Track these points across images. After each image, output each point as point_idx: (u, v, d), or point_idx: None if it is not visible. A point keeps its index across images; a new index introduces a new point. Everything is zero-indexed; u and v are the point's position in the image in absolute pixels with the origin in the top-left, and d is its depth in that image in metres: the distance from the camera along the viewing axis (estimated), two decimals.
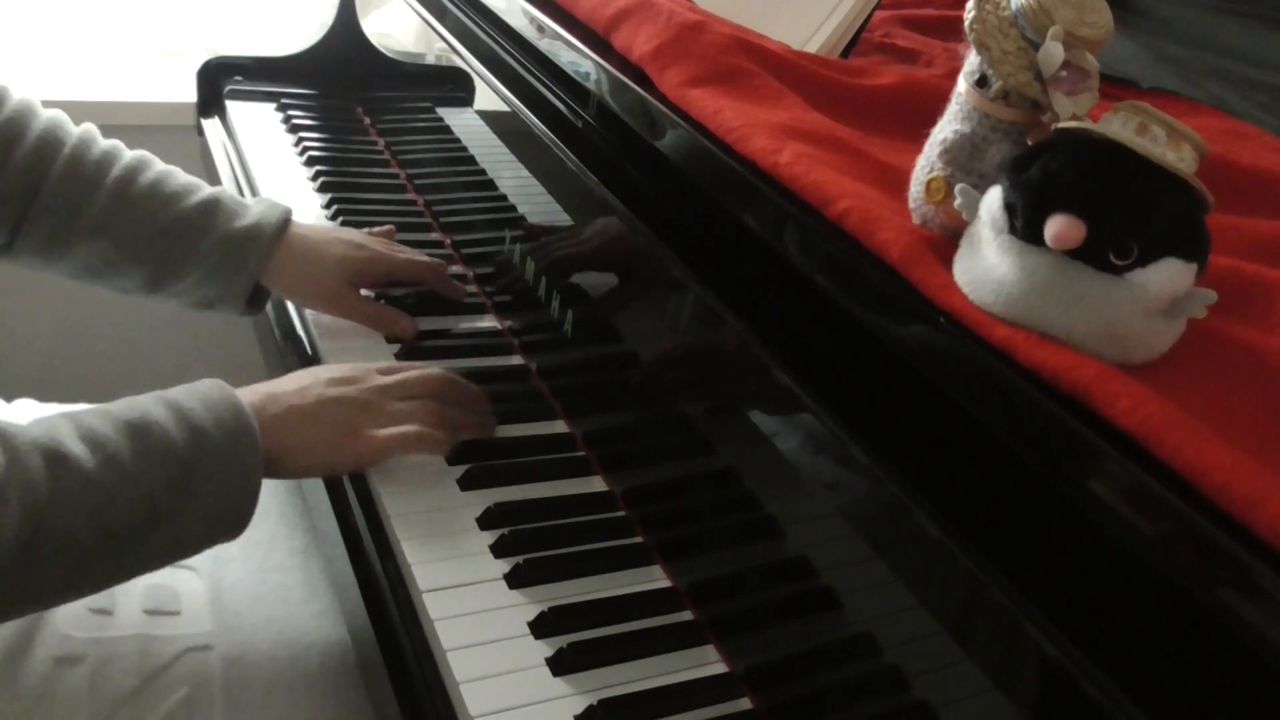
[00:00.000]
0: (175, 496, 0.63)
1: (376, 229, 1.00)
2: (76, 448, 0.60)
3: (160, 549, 0.64)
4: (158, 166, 0.90)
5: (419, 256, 0.95)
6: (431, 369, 0.79)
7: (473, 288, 1.02)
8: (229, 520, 0.66)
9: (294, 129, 1.26)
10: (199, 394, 0.67)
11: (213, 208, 0.87)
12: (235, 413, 0.67)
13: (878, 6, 0.89)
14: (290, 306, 0.97)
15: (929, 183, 0.57)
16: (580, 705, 0.62)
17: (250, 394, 0.71)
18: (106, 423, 0.63)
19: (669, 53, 0.75)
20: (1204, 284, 0.48)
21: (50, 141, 0.86)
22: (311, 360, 0.91)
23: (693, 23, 0.77)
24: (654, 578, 0.72)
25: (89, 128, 0.90)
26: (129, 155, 0.89)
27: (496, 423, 0.81)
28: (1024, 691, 0.47)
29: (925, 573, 0.52)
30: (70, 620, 0.74)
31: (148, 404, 0.65)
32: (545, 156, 0.89)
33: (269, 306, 0.99)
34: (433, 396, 0.77)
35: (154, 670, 0.73)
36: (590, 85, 0.82)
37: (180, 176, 0.90)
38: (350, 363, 0.78)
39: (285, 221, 0.89)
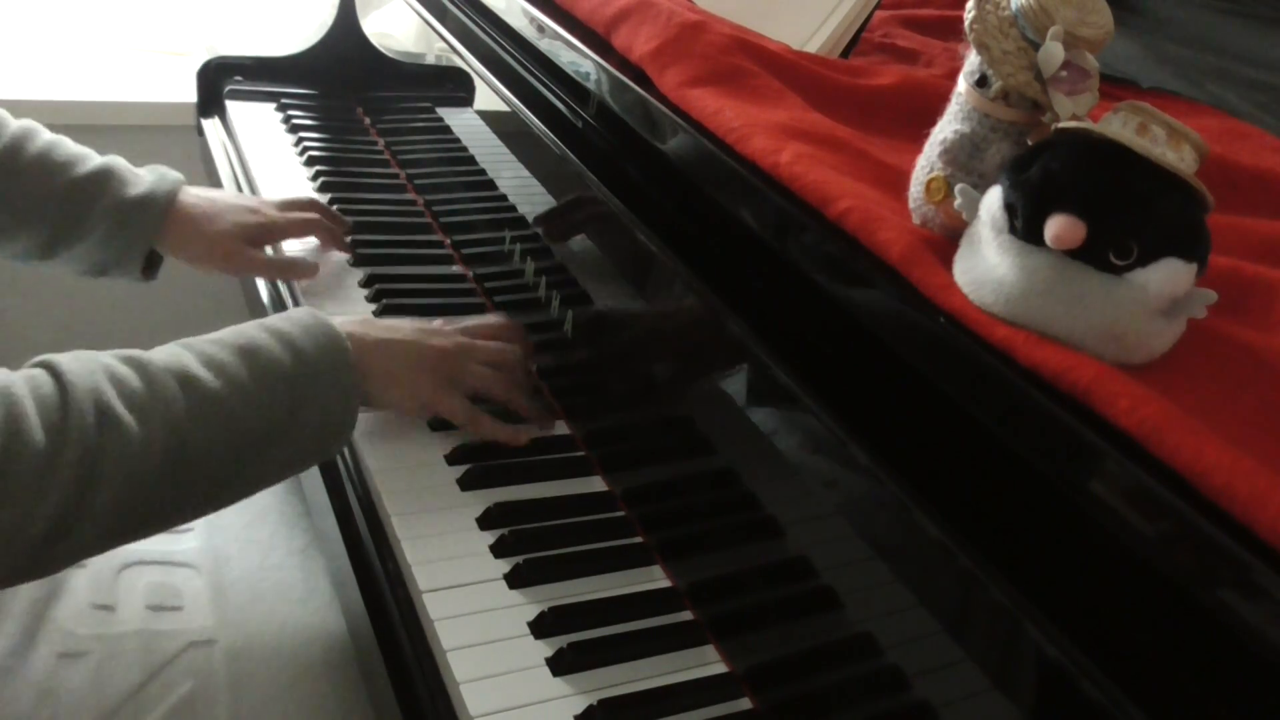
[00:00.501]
0: (288, 412, 0.68)
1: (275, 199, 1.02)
2: (202, 371, 0.65)
3: (282, 460, 0.69)
4: (45, 135, 0.91)
5: (305, 215, 0.99)
6: (510, 345, 0.84)
7: (473, 287, 1.02)
8: (333, 434, 0.71)
9: (294, 129, 1.26)
10: (296, 320, 0.72)
11: (105, 175, 0.90)
12: (331, 336, 0.71)
13: (878, 6, 0.89)
14: (286, 299, 0.97)
15: (929, 183, 0.57)
16: (580, 705, 0.62)
17: (345, 322, 0.75)
18: (222, 349, 0.68)
19: (669, 53, 0.75)
20: (1204, 284, 0.48)
21: None
22: None
23: (693, 23, 0.77)
24: (654, 578, 0.72)
25: None
26: (15, 125, 0.91)
27: (552, 424, 0.84)
28: (1024, 691, 0.47)
29: (925, 573, 0.52)
30: (73, 616, 0.74)
31: (253, 331, 0.70)
32: (545, 156, 0.89)
33: (265, 300, 0.99)
34: (507, 370, 0.82)
35: (157, 665, 0.73)
36: (590, 85, 0.82)
37: (69, 145, 0.92)
38: (440, 320, 0.83)
39: (177, 189, 0.92)
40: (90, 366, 0.62)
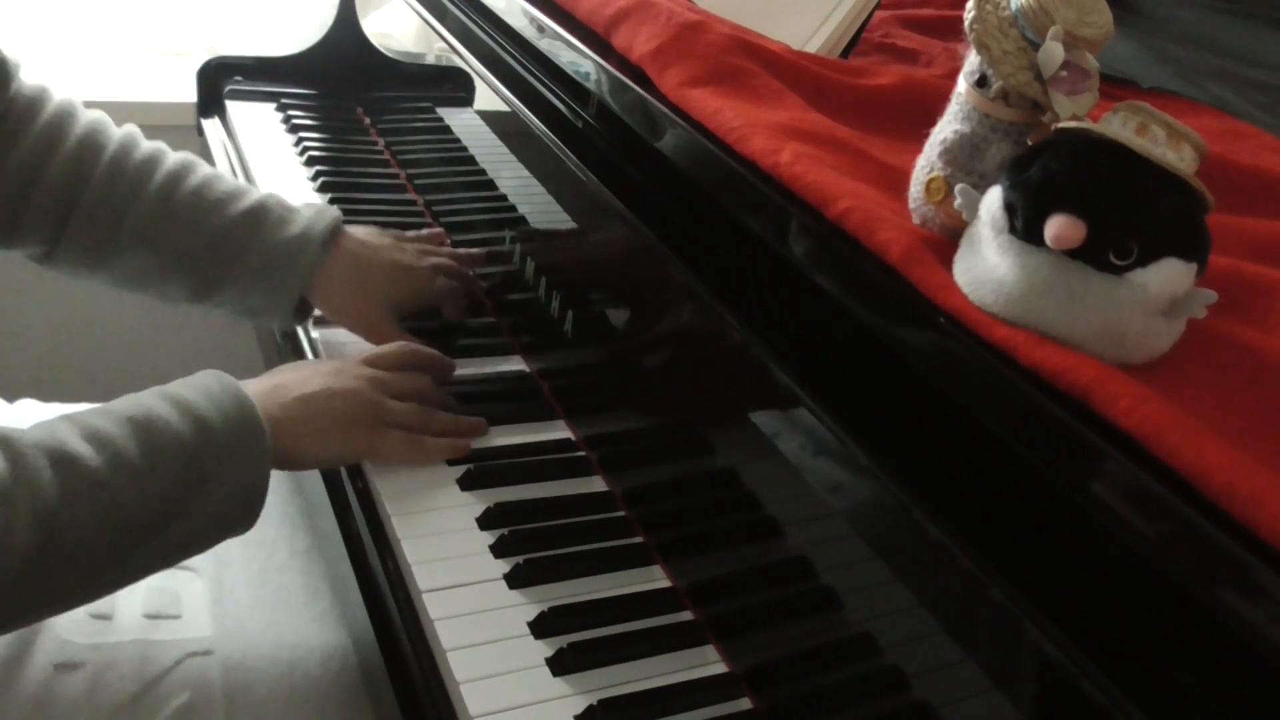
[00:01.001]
0: (185, 492, 0.62)
1: (424, 234, 0.99)
2: (82, 448, 0.59)
3: (172, 546, 0.63)
4: (201, 171, 0.86)
5: (453, 284, 0.93)
6: (413, 374, 0.80)
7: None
8: (239, 513, 0.66)
9: (294, 129, 1.26)
10: (200, 387, 0.66)
11: (259, 216, 0.84)
12: (239, 404, 0.66)
13: (878, 6, 0.89)
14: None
15: (929, 183, 0.57)
16: (580, 705, 0.62)
17: (253, 385, 0.70)
18: (109, 421, 0.61)
19: (669, 53, 0.75)
20: (1204, 284, 0.48)
21: (90, 147, 0.83)
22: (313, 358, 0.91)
23: (693, 23, 0.77)
24: (654, 578, 0.72)
25: (131, 130, 0.87)
26: (172, 159, 0.86)
27: (485, 428, 0.81)
28: (1024, 691, 0.47)
29: (925, 573, 0.52)
30: (70, 626, 0.73)
31: (148, 400, 0.64)
32: (545, 156, 0.89)
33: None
34: (420, 398, 0.79)
35: (154, 676, 0.72)
36: (590, 85, 0.82)
37: (225, 182, 0.86)
38: (340, 360, 0.79)
39: (333, 231, 0.85)
40: None
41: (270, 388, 0.71)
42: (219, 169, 1.15)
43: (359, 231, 0.90)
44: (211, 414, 0.64)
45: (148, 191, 0.83)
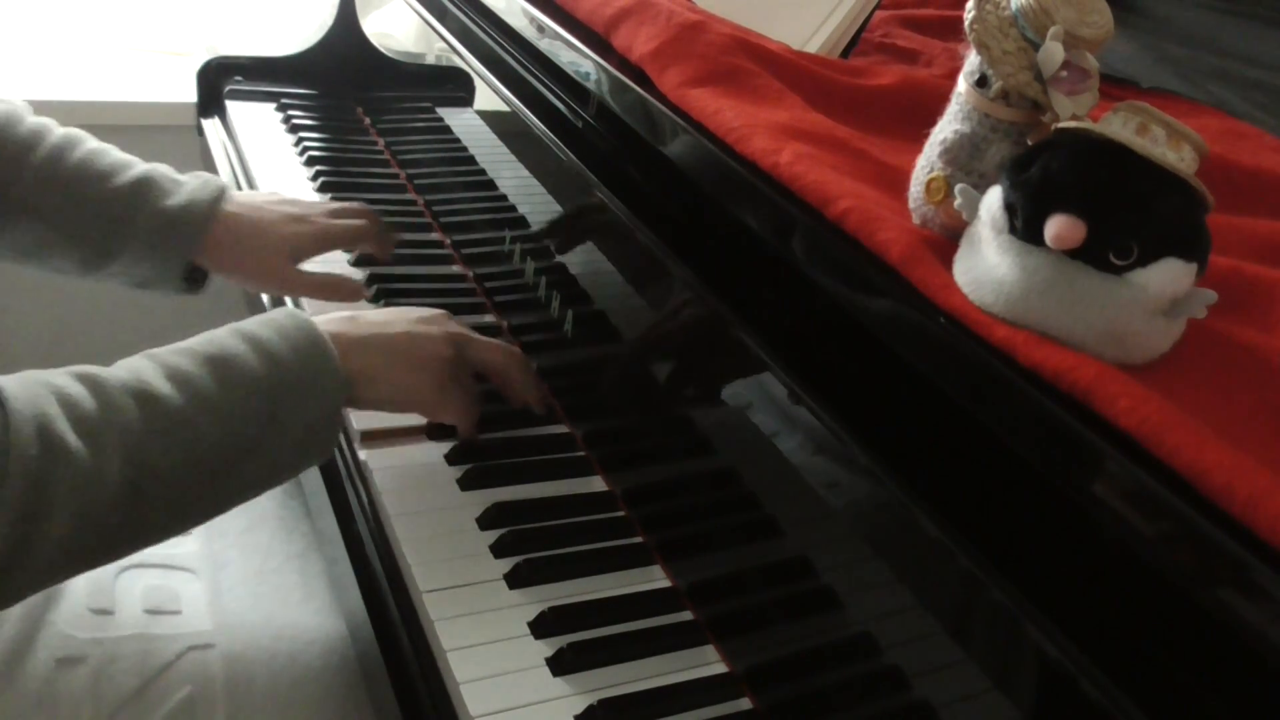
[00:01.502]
0: (262, 426, 0.64)
1: (322, 204, 0.97)
2: (164, 387, 0.61)
3: (256, 477, 0.65)
4: (89, 144, 0.87)
5: (355, 221, 0.93)
6: (500, 344, 0.81)
7: (473, 287, 1.02)
8: (316, 443, 0.68)
9: (294, 129, 1.26)
10: (274, 324, 0.68)
11: (144, 186, 0.85)
12: (311, 339, 0.67)
13: (878, 6, 0.89)
14: (288, 300, 0.97)
15: (929, 183, 0.57)
16: (580, 705, 0.62)
17: (328, 321, 0.71)
18: (189, 360, 0.64)
19: (669, 53, 0.75)
20: (1204, 284, 0.48)
21: None
22: None
23: (693, 23, 0.77)
24: (654, 578, 0.72)
25: (17, 105, 0.87)
26: (58, 133, 0.86)
27: (546, 401, 0.83)
28: (1024, 691, 0.47)
29: (925, 573, 0.52)
30: (71, 620, 0.74)
31: (225, 337, 0.66)
32: (545, 156, 0.89)
33: (265, 298, 0.99)
34: (499, 364, 0.80)
35: (156, 670, 0.73)
36: (590, 85, 0.82)
37: (112, 154, 0.87)
38: (433, 309, 0.79)
39: (218, 198, 0.86)
40: (35, 390, 0.58)
41: (349, 321, 0.72)
42: (220, 167, 1.16)
43: (247, 194, 0.92)
44: (284, 349, 0.66)
45: (31, 163, 0.84)
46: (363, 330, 0.72)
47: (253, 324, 0.68)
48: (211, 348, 0.65)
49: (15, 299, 1.60)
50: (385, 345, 0.72)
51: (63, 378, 0.60)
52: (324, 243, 0.91)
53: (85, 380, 0.60)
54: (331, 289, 0.90)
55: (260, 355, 0.65)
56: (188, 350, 0.65)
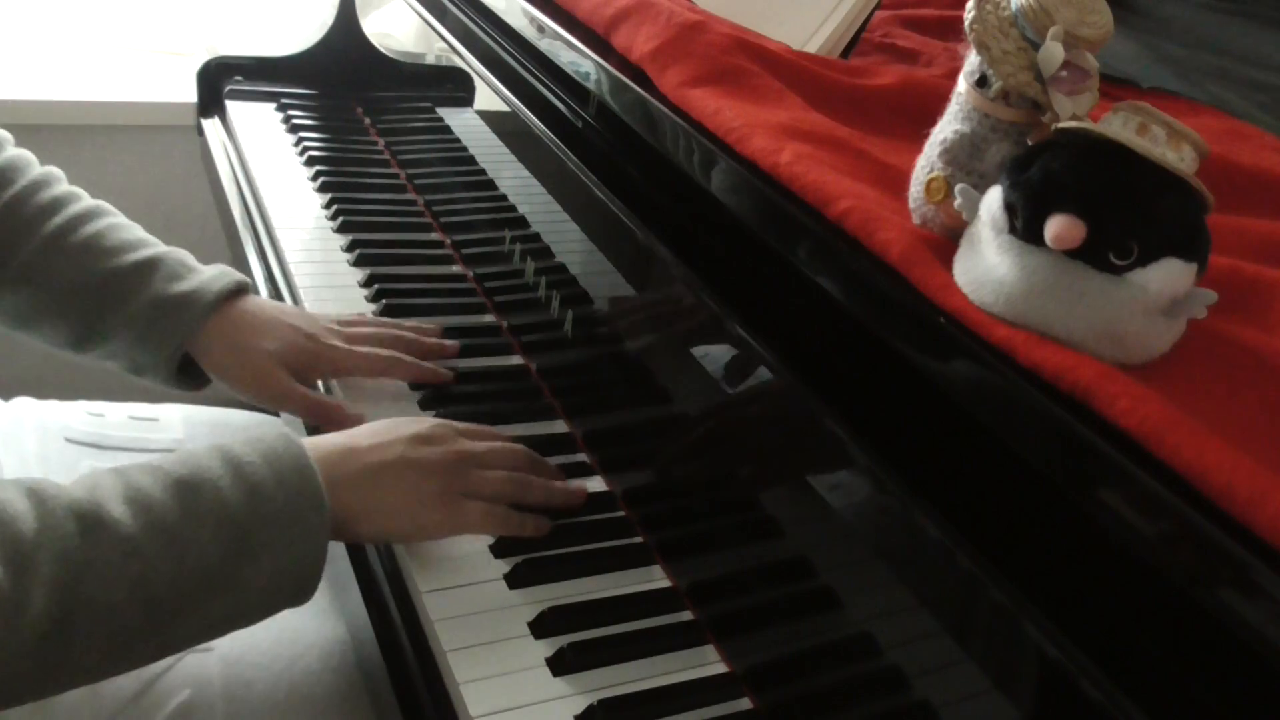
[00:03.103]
0: (230, 563, 0.57)
1: (351, 318, 0.88)
2: (118, 509, 0.55)
3: (216, 619, 0.59)
4: (108, 219, 0.83)
5: (380, 352, 0.83)
6: (516, 444, 0.74)
7: (473, 287, 1.02)
8: (292, 587, 0.61)
9: (294, 129, 1.26)
10: (262, 447, 0.61)
11: (150, 267, 0.80)
12: (300, 469, 0.61)
13: (878, 6, 0.89)
14: (284, 294, 0.97)
15: (929, 183, 0.57)
16: (580, 705, 0.62)
17: (319, 448, 0.65)
18: (155, 480, 0.57)
19: (669, 53, 0.75)
20: (1204, 284, 0.48)
21: None
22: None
23: (693, 23, 0.78)
24: (654, 578, 0.72)
25: (54, 171, 0.85)
26: (82, 204, 0.83)
27: (584, 497, 0.75)
28: (1024, 691, 0.47)
29: (925, 573, 0.52)
30: None
31: (203, 458, 0.60)
32: (545, 156, 0.89)
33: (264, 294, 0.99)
34: (516, 469, 0.73)
35: (155, 673, 0.72)
36: (590, 85, 0.82)
37: (131, 232, 0.83)
38: (432, 420, 0.72)
39: (230, 292, 0.80)
40: None
41: (340, 452, 0.65)
42: (220, 167, 1.15)
43: (269, 301, 0.86)
44: (267, 480, 0.59)
45: (43, 231, 0.80)
46: (356, 462, 0.65)
47: (242, 445, 0.61)
48: (184, 469, 0.58)
49: None
50: (381, 474, 0.65)
51: (11, 490, 0.54)
52: (320, 367, 0.82)
53: (32, 495, 0.54)
54: (323, 414, 0.80)
55: (238, 482, 0.59)
56: (158, 469, 0.58)
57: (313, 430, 0.80)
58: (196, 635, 0.59)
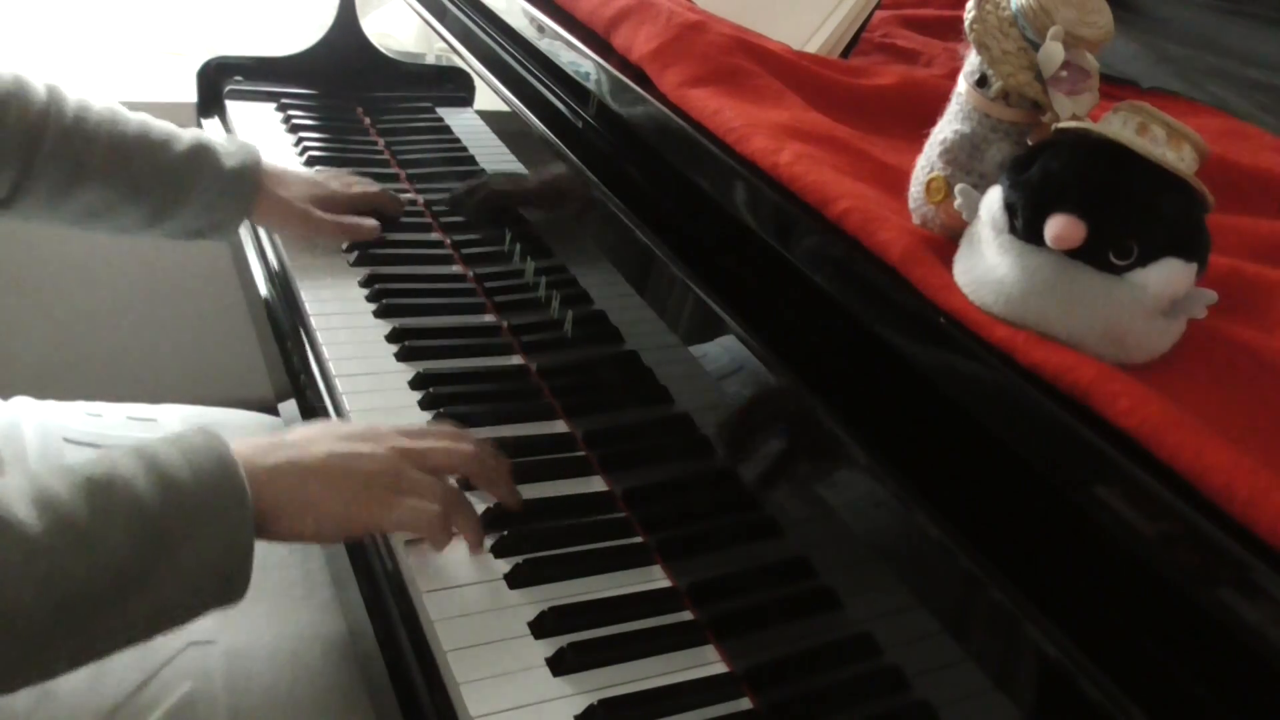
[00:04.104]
0: (145, 560, 0.56)
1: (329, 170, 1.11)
2: (22, 510, 0.53)
3: (137, 621, 0.57)
4: (133, 117, 0.96)
5: (370, 186, 1.06)
6: (461, 443, 0.72)
7: (473, 287, 1.02)
8: (218, 584, 0.59)
9: (294, 129, 1.26)
10: (181, 443, 0.60)
11: (204, 150, 0.96)
12: (218, 461, 0.60)
13: (878, 6, 0.89)
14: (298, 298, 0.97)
15: (929, 183, 0.57)
16: (580, 705, 0.62)
17: (243, 443, 0.64)
18: (64, 480, 0.56)
19: (669, 53, 0.75)
20: (1204, 284, 0.48)
21: (55, 99, 0.92)
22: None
23: (693, 23, 0.78)
24: (654, 578, 0.72)
25: (52, 86, 0.95)
26: (101, 106, 0.95)
27: (520, 500, 0.74)
28: (1024, 691, 0.47)
29: (925, 573, 0.52)
30: None
31: (119, 456, 0.58)
32: (545, 156, 0.89)
33: (267, 304, 0.99)
34: (458, 473, 0.72)
35: (156, 666, 0.73)
36: (590, 85, 0.82)
37: (159, 123, 0.97)
38: (368, 422, 0.71)
39: (259, 159, 0.99)
40: None
41: (266, 446, 0.64)
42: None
43: (279, 165, 1.04)
44: (183, 472, 0.58)
45: (102, 136, 0.92)
46: (280, 455, 0.64)
47: (158, 442, 0.60)
48: (97, 468, 0.57)
49: (14, 298, 1.60)
50: (307, 470, 0.64)
51: None
52: (338, 199, 1.03)
53: None
54: (353, 230, 1.02)
55: (154, 479, 0.57)
56: (69, 469, 0.57)
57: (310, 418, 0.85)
58: (119, 638, 0.57)
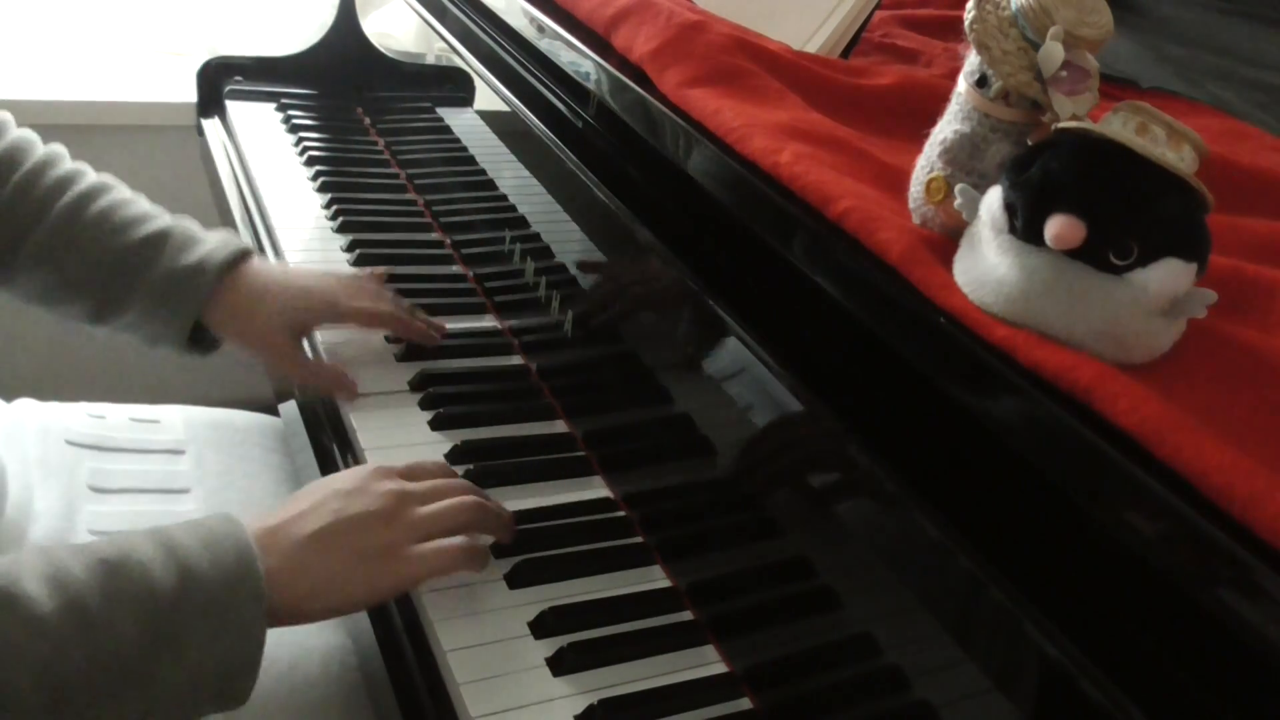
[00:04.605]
0: (150, 652, 0.53)
1: (366, 271, 0.94)
2: (33, 586, 0.51)
3: (125, 715, 0.53)
4: (114, 194, 0.85)
5: (382, 307, 0.88)
6: (453, 479, 0.70)
7: (473, 287, 1.02)
8: (218, 687, 0.56)
9: (294, 129, 1.26)
10: (202, 529, 0.58)
11: (159, 240, 0.82)
12: (239, 555, 0.57)
13: (878, 6, 0.89)
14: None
15: (929, 183, 0.57)
16: (580, 705, 0.62)
17: (259, 528, 0.61)
18: (79, 558, 0.54)
19: (669, 53, 0.75)
20: (1204, 284, 0.48)
21: (5, 162, 0.83)
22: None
23: (693, 23, 0.78)
24: (654, 578, 0.72)
25: (56, 149, 0.86)
26: (88, 181, 0.85)
27: (513, 529, 0.72)
28: (1024, 691, 0.47)
29: (925, 573, 0.52)
30: None
31: (138, 538, 0.56)
32: (545, 156, 0.89)
33: None
34: (459, 532, 0.68)
35: None
36: (590, 85, 0.82)
37: (138, 206, 0.85)
38: (359, 468, 0.68)
39: (235, 259, 0.83)
40: None
41: (275, 530, 0.61)
42: (220, 167, 1.15)
43: (272, 264, 0.88)
44: (202, 562, 0.55)
45: (53, 211, 0.82)
46: (290, 535, 0.61)
47: (181, 526, 0.58)
48: (114, 549, 0.55)
49: (16, 300, 1.60)
50: (318, 544, 0.61)
51: None
52: (332, 320, 0.87)
53: None
54: (325, 381, 0.85)
55: (169, 564, 0.55)
56: (85, 547, 0.55)
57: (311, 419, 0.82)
58: None
